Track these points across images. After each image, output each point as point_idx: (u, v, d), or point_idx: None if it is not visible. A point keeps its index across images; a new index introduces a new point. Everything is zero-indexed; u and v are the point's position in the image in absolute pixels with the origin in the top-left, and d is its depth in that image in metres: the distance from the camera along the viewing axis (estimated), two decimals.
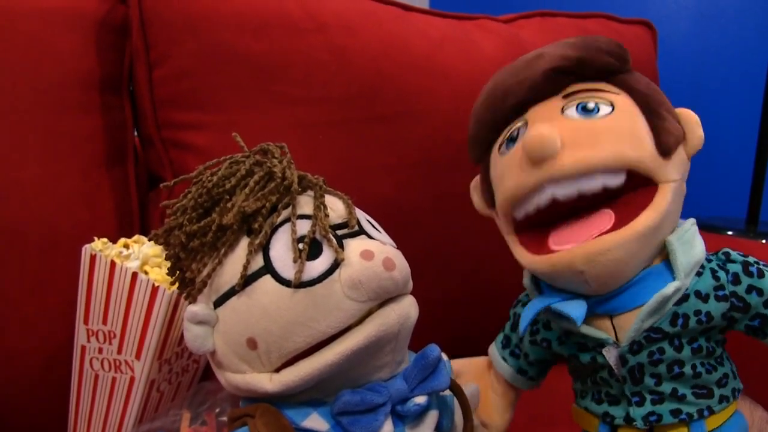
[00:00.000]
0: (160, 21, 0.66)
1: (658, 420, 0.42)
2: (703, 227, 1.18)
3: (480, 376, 0.55)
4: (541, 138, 0.39)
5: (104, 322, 0.52)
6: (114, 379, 0.54)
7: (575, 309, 0.41)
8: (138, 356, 0.52)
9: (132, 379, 0.53)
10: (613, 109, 0.42)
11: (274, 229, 0.37)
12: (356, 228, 0.39)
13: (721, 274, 0.43)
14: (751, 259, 0.44)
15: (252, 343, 0.36)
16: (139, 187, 0.72)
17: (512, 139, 0.44)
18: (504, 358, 0.53)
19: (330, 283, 0.36)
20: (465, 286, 0.80)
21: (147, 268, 0.53)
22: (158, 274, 0.52)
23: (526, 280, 0.47)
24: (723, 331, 0.44)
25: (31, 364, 0.62)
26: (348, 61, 0.72)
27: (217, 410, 0.53)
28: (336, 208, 0.40)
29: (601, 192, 0.41)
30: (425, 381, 0.39)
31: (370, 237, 0.39)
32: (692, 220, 0.45)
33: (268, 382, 0.36)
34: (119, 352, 0.53)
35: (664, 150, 0.42)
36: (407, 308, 0.38)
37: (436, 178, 0.77)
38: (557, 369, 0.54)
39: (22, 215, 0.62)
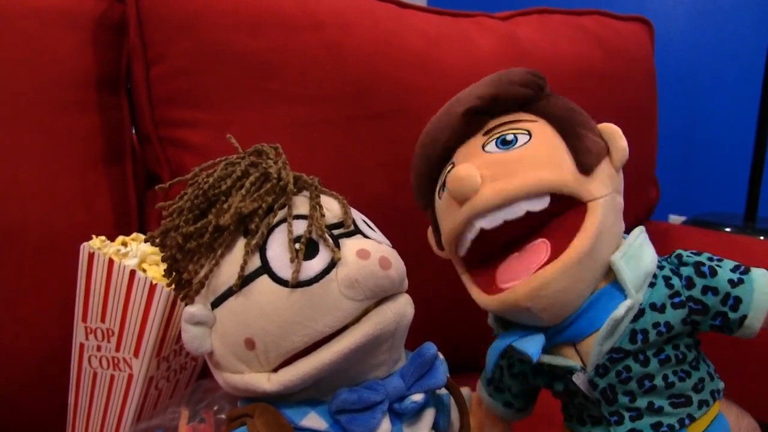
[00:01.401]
0: (157, 19, 0.67)
1: None
2: (701, 224, 1.19)
3: (473, 411, 0.55)
4: (459, 178, 0.41)
5: (102, 320, 0.53)
6: (112, 377, 0.54)
7: (532, 345, 0.42)
8: (136, 354, 0.52)
9: (130, 377, 0.53)
10: (530, 138, 0.43)
11: (271, 229, 0.37)
12: (352, 228, 0.39)
13: (675, 280, 0.43)
14: (703, 257, 0.44)
15: (250, 344, 0.36)
16: (137, 185, 0.72)
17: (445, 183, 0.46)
18: (490, 395, 0.52)
19: (327, 282, 0.36)
20: (461, 285, 0.80)
21: (145, 265, 0.53)
22: (156, 271, 0.52)
23: (490, 319, 0.48)
24: (691, 335, 0.44)
25: (29, 363, 0.62)
26: (344, 58, 0.72)
27: (216, 408, 0.53)
28: (331, 208, 0.40)
29: (526, 217, 0.42)
30: (422, 379, 0.39)
31: (365, 236, 0.40)
32: (640, 229, 0.45)
33: (266, 382, 0.37)
34: (117, 349, 0.53)
35: (585, 168, 0.43)
36: (403, 307, 0.38)
37: None
38: None
39: (20, 214, 0.62)
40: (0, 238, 0.61)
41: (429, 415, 0.40)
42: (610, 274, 0.43)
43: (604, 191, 0.43)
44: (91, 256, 0.52)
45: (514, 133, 0.44)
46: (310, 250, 0.37)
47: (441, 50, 0.79)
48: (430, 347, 0.40)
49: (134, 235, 0.58)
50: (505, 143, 0.43)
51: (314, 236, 0.37)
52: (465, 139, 0.46)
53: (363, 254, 0.36)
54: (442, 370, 0.40)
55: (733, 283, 0.42)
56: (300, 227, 0.37)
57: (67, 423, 0.58)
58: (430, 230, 0.52)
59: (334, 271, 0.36)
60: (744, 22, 1.39)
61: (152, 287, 0.50)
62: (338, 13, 0.74)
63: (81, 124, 0.67)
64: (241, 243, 0.37)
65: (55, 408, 0.59)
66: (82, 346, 0.54)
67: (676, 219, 1.49)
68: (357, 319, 0.37)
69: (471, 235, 0.43)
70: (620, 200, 0.45)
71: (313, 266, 0.36)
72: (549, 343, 0.43)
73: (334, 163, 0.71)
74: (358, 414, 0.37)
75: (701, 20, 1.43)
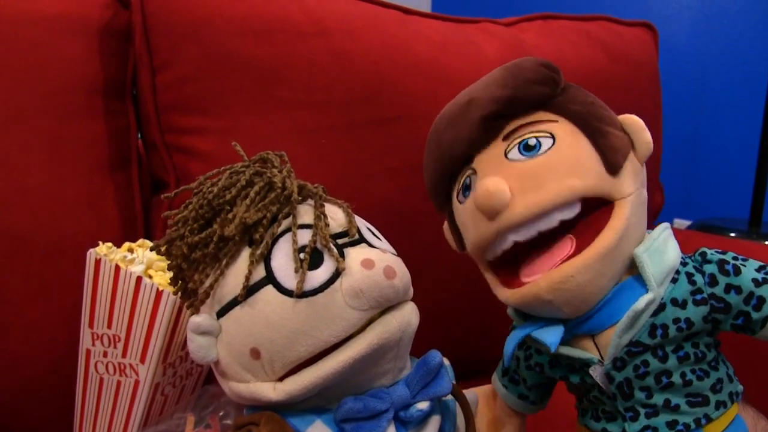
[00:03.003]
0: (163, 26, 0.67)
1: None
2: (706, 228, 1.19)
3: (487, 403, 0.55)
4: (488, 193, 0.40)
5: (109, 326, 0.53)
6: (119, 383, 0.54)
7: (550, 335, 0.42)
8: (142, 360, 0.52)
9: (136, 383, 0.53)
10: (554, 141, 0.42)
11: (275, 239, 0.37)
12: (357, 236, 0.39)
13: (698, 277, 0.42)
14: (728, 256, 0.43)
15: (255, 353, 0.36)
16: (142, 192, 0.73)
17: (466, 187, 0.45)
18: (505, 386, 0.53)
19: (331, 292, 0.36)
20: (467, 291, 0.80)
21: (151, 272, 0.53)
22: (162, 278, 0.53)
23: (510, 310, 0.48)
24: (711, 334, 0.43)
25: (36, 368, 0.62)
26: (350, 65, 0.73)
27: (221, 413, 0.54)
28: (336, 216, 0.40)
29: (559, 226, 0.42)
30: (427, 387, 0.39)
31: (370, 245, 0.40)
32: (665, 225, 0.45)
33: (271, 391, 0.37)
34: (124, 355, 0.53)
35: (613, 168, 0.42)
36: (408, 315, 0.38)
37: None
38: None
39: (27, 220, 0.62)
40: (8, 243, 0.61)
41: (434, 422, 0.40)
42: (632, 267, 0.43)
43: (632, 188, 0.43)
44: (97, 262, 0.52)
45: (536, 137, 0.42)
46: (314, 259, 0.37)
47: (446, 56, 0.79)
48: (435, 355, 0.40)
49: (140, 241, 0.58)
50: (528, 149, 0.42)
51: (319, 246, 0.37)
52: (483, 143, 0.44)
53: (367, 264, 0.36)
54: (447, 378, 0.40)
55: (757, 283, 0.41)
56: (304, 237, 0.37)
57: (73, 428, 0.58)
58: (446, 228, 0.51)
59: (338, 281, 0.36)
60: (749, 27, 1.39)
61: (158, 294, 0.50)
62: (344, 20, 0.74)
63: (88, 131, 0.67)
64: (245, 253, 0.37)
65: (62, 413, 0.59)
66: (88, 351, 0.54)
67: (681, 223, 1.49)
68: (362, 329, 0.37)
69: (503, 246, 0.43)
70: (645, 194, 0.45)
71: (317, 276, 0.36)
72: (568, 335, 0.43)
73: (340, 169, 0.71)
74: (364, 422, 0.37)
75: (706, 25, 1.43)
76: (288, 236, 0.37)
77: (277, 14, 0.70)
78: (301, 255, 0.36)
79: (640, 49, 0.97)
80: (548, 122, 0.43)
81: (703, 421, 0.42)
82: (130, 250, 0.56)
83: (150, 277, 0.53)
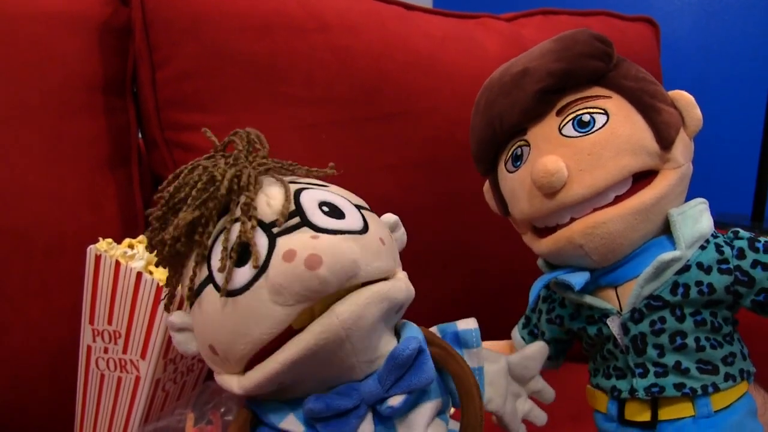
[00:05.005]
0: (162, 23, 0.67)
1: (661, 391, 0.42)
2: None
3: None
4: (548, 173, 0.42)
5: (109, 322, 0.53)
6: (119, 379, 0.54)
7: (576, 278, 0.44)
8: (143, 356, 0.52)
9: (137, 379, 0.53)
10: (608, 118, 0.43)
11: (217, 236, 0.36)
12: (296, 222, 0.35)
13: (726, 249, 0.43)
14: (761, 238, 0.44)
15: (212, 350, 0.36)
16: (143, 189, 0.73)
17: (517, 158, 0.46)
18: (523, 337, 0.54)
19: (256, 289, 0.34)
20: (468, 286, 0.80)
21: (151, 268, 0.53)
22: (162, 274, 0.52)
23: (540, 261, 0.49)
24: (731, 308, 0.44)
25: (37, 365, 0.62)
26: (350, 61, 0.72)
27: (222, 409, 0.54)
28: (273, 203, 0.36)
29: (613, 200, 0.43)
30: (402, 379, 0.36)
31: (314, 227, 0.35)
32: (702, 200, 0.46)
33: (236, 383, 0.36)
34: (124, 351, 0.53)
35: (666, 143, 0.43)
36: (360, 309, 0.34)
37: (438, 177, 0.77)
38: (561, 372, 0.54)
39: (27, 218, 0.62)
40: (8, 241, 0.61)
41: (425, 411, 0.38)
42: (666, 230, 0.44)
43: (681, 161, 0.44)
44: (98, 258, 0.52)
45: (590, 113, 0.43)
46: (243, 255, 0.35)
47: (446, 52, 0.79)
48: (405, 347, 0.36)
49: (141, 237, 0.58)
50: (582, 125, 0.43)
51: (245, 240, 0.34)
52: (536, 116, 0.45)
53: (288, 256, 0.33)
54: (428, 366, 0.37)
55: None
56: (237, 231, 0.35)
57: (74, 425, 0.58)
58: (485, 188, 0.52)
59: (263, 276, 0.34)
60: (751, 23, 1.39)
61: (159, 289, 0.50)
62: (344, 16, 0.74)
63: (88, 128, 0.67)
64: (194, 253, 0.37)
65: (63, 410, 0.59)
66: (89, 348, 0.54)
67: None
68: (304, 323, 0.34)
69: (559, 220, 0.44)
70: (691, 168, 0.46)
71: (243, 274, 0.34)
72: (592, 285, 0.45)
73: (341, 165, 0.70)
74: (332, 420, 0.35)
75: (708, 21, 1.43)
76: (225, 234, 0.36)
77: (276, 10, 0.70)
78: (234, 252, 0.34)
79: (641, 44, 0.96)
80: (602, 98, 0.44)
81: (710, 390, 0.42)
82: (131, 246, 0.55)
83: (150, 272, 0.52)
